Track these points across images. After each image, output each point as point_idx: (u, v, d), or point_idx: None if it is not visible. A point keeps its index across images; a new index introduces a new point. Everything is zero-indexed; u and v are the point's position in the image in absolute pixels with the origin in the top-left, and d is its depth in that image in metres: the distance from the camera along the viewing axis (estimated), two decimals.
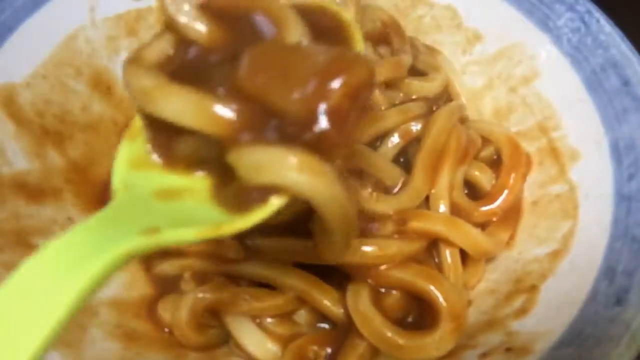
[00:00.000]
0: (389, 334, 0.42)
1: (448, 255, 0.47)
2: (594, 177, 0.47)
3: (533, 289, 0.45)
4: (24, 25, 0.53)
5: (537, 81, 0.54)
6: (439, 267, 0.48)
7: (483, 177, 0.52)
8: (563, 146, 0.51)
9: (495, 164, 0.53)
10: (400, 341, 0.42)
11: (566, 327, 0.40)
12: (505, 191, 0.51)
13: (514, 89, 0.56)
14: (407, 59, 0.55)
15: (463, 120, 0.56)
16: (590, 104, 0.49)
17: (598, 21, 0.51)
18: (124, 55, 0.60)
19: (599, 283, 0.41)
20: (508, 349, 0.41)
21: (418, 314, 0.46)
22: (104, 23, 0.58)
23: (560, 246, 0.46)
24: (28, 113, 0.52)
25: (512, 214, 0.51)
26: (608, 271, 0.41)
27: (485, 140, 0.54)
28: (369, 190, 0.47)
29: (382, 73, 0.52)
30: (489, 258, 0.50)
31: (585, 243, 0.45)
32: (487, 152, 0.54)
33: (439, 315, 0.42)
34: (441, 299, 0.43)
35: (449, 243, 0.47)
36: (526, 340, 0.41)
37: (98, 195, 0.54)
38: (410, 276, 0.44)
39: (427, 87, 0.55)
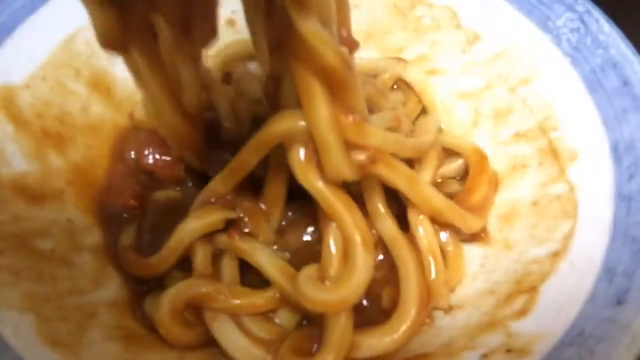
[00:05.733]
0: None
1: (421, 229, 0.49)
2: (593, 177, 0.47)
3: (533, 289, 0.45)
4: (23, 26, 0.53)
5: (537, 81, 0.54)
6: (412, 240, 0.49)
7: None
8: (563, 146, 0.51)
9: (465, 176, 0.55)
10: None
11: (566, 328, 0.40)
12: (473, 193, 0.52)
13: (514, 89, 0.56)
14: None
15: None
16: (590, 104, 0.49)
17: (597, 21, 0.51)
18: None
19: (599, 283, 0.41)
20: (508, 350, 0.41)
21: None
22: None
23: (560, 246, 0.46)
24: (27, 114, 0.52)
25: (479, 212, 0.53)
26: (608, 271, 0.41)
27: (455, 153, 0.56)
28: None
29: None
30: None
31: (585, 243, 0.45)
32: (456, 165, 0.56)
33: None
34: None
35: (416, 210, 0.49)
36: (526, 341, 0.41)
37: (98, 197, 0.54)
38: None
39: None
